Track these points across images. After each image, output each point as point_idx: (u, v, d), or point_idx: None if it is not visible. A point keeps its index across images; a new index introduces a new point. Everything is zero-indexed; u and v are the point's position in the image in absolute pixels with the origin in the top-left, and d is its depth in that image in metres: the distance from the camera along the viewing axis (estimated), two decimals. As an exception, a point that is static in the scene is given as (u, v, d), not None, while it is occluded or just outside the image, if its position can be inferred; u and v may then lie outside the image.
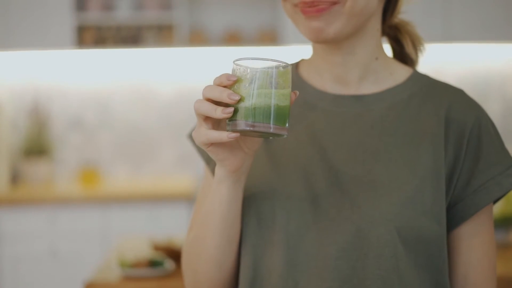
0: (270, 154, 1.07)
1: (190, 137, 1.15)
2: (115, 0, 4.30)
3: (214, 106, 0.88)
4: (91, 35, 4.23)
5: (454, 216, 1.03)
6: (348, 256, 0.98)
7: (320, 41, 1.01)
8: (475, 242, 1.03)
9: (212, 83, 0.90)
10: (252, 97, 0.86)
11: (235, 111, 0.87)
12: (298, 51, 3.65)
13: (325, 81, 1.09)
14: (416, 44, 1.13)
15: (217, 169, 0.98)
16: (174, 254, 2.36)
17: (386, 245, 0.97)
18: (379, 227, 0.98)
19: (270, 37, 4.27)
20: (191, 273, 1.08)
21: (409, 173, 1.01)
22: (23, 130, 4.32)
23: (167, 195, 3.94)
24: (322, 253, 0.99)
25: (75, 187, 4.24)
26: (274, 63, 0.88)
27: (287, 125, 0.89)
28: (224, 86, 0.88)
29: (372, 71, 1.08)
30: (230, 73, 0.89)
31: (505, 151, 1.05)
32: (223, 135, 0.88)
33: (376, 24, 1.07)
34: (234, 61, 0.89)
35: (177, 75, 4.49)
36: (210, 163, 1.11)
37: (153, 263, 2.29)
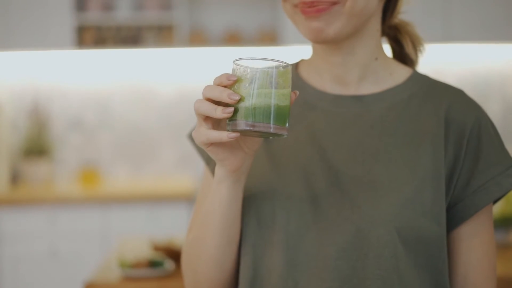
0: (270, 154, 1.07)
1: (190, 137, 1.15)
2: (115, 0, 4.30)
3: (214, 106, 0.88)
4: (91, 35, 4.23)
5: (454, 216, 1.03)
6: (348, 256, 0.98)
7: (319, 41, 1.01)
8: (475, 242, 1.03)
9: (212, 83, 0.90)
10: (252, 97, 0.86)
11: (235, 111, 0.87)
12: (298, 51, 3.65)
13: (325, 81, 1.09)
14: (416, 45, 1.13)
15: (217, 169, 0.98)
16: (174, 255, 2.36)
17: (386, 245, 0.97)
18: (379, 227, 0.98)
19: (270, 37, 4.27)
20: (191, 273, 1.08)
21: (409, 174, 1.01)
22: (23, 130, 4.32)
23: (167, 195, 3.94)
24: (322, 253, 0.99)
25: (75, 187, 4.24)
26: (274, 63, 0.88)
27: (287, 125, 0.89)
28: (224, 86, 0.88)
29: (372, 71, 1.08)
30: (230, 73, 0.89)
31: (505, 152, 1.05)
32: (223, 135, 0.88)
33: (376, 24, 1.07)
34: (234, 61, 0.89)
35: (177, 76, 4.49)
36: (210, 163, 1.11)
37: (153, 264, 2.29)
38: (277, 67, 0.87)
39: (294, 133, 1.06)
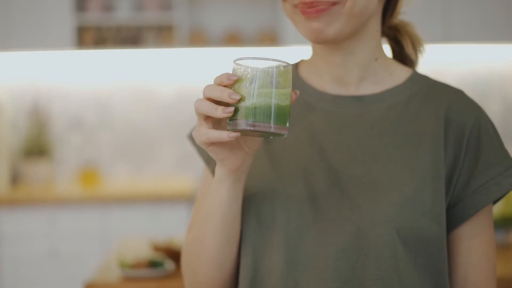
0: (270, 154, 1.07)
1: (190, 137, 1.15)
2: (115, 0, 4.30)
3: (215, 106, 0.88)
4: (91, 36, 4.23)
5: (454, 216, 1.03)
6: (348, 256, 0.98)
7: (319, 41, 1.02)
8: (474, 242, 1.03)
9: (212, 83, 0.90)
10: (253, 96, 0.86)
11: (236, 111, 0.87)
12: (298, 52, 3.65)
13: (324, 82, 1.09)
14: (416, 45, 1.13)
15: (217, 168, 0.98)
16: (174, 255, 2.36)
17: (386, 246, 0.97)
18: (379, 228, 0.98)
19: (270, 38, 4.27)
20: (190, 274, 1.08)
21: (409, 174, 1.01)
22: (23, 131, 4.32)
23: (167, 195, 3.94)
24: (322, 253, 0.99)
25: (75, 187, 4.24)
26: (275, 63, 0.88)
27: (287, 124, 0.89)
28: (225, 86, 0.88)
29: (372, 72, 1.08)
30: (231, 72, 0.89)
31: (505, 152, 1.05)
32: (224, 135, 0.88)
33: (375, 24, 1.07)
34: (234, 61, 0.89)
35: (177, 76, 4.49)
36: (210, 164, 1.11)
37: (153, 264, 2.29)
38: (277, 66, 0.87)
39: (294, 133, 1.06)
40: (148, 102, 4.48)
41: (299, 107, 1.08)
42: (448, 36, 4.14)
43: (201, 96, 0.91)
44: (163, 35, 4.27)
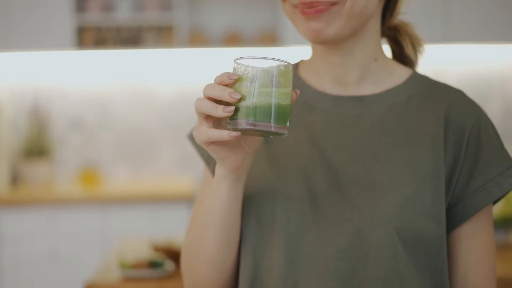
0: (270, 154, 1.07)
1: (190, 137, 1.15)
2: (115, 1, 4.30)
3: (215, 105, 0.88)
4: (91, 36, 4.23)
5: (454, 216, 1.03)
6: (348, 257, 0.98)
7: (319, 41, 1.02)
8: (474, 242, 1.03)
9: (213, 82, 0.90)
10: (253, 96, 0.86)
11: (236, 110, 0.87)
12: (298, 52, 3.65)
13: (324, 82, 1.09)
14: (416, 45, 1.13)
15: (217, 168, 0.98)
16: (174, 255, 2.36)
17: (385, 246, 0.97)
18: (378, 228, 0.98)
19: (270, 38, 4.27)
20: (190, 274, 1.08)
21: (409, 174, 1.01)
22: (23, 131, 4.32)
23: (167, 196, 3.94)
24: (322, 253, 0.99)
25: (75, 188, 4.24)
26: (275, 62, 0.88)
27: (288, 124, 0.89)
28: (225, 85, 0.88)
29: (371, 72, 1.08)
30: (231, 72, 0.89)
31: (505, 152, 1.05)
32: (224, 134, 0.88)
33: (375, 25, 1.07)
34: (235, 60, 0.89)
35: (177, 76, 4.49)
36: (210, 164, 1.11)
37: (153, 264, 2.29)
38: (278, 66, 0.87)
39: (294, 134, 1.06)
40: (148, 103, 4.48)
41: (299, 107, 1.08)
42: (448, 36, 4.14)
43: (201, 96, 0.91)
44: (163, 35, 4.27)
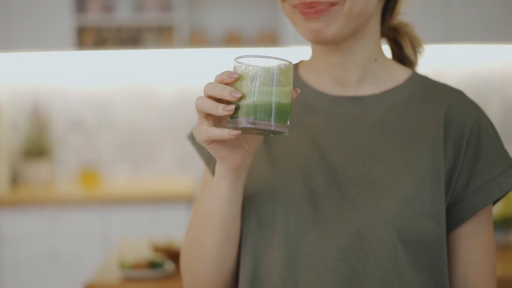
0: (270, 155, 1.07)
1: (190, 137, 1.15)
2: (115, 1, 4.30)
3: (216, 103, 0.88)
4: (91, 37, 4.23)
5: (454, 217, 1.03)
6: (348, 257, 0.98)
7: (318, 42, 1.02)
8: (474, 243, 1.03)
9: (213, 81, 0.90)
10: (254, 94, 0.87)
11: (237, 109, 0.87)
12: (298, 52, 3.65)
13: (324, 82, 1.09)
14: (415, 46, 1.13)
15: (217, 166, 0.98)
16: (174, 256, 2.36)
17: (385, 246, 0.97)
18: (378, 228, 0.98)
19: (270, 38, 4.27)
20: (190, 274, 1.08)
21: (409, 174, 1.01)
22: (23, 131, 4.32)
23: (167, 196, 3.94)
24: (322, 254, 0.99)
25: (75, 188, 4.24)
26: (276, 61, 0.88)
27: (288, 122, 0.89)
28: (226, 84, 0.88)
29: (371, 72, 1.08)
30: (232, 70, 0.89)
31: (505, 152, 1.05)
32: (224, 133, 0.88)
33: (375, 25, 1.07)
34: (235, 59, 0.89)
35: (177, 76, 4.49)
36: (210, 164, 1.11)
37: (153, 265, 2.29)
38: (278, 65, 0.88)
39: (294, 134, 1.06)
40: (148, 103, 4.48)
41: (299, 107, 1.08)
42: (448, 36, 4.14)
43: (202, 95, 0.91)
44: (163, 35, 4.27)
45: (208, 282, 1.05)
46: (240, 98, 0.87)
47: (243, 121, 0.87)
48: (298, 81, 1.11)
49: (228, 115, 0.88)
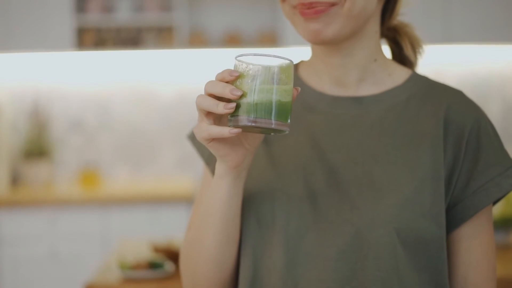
0: (270, 155, 1.07)
1: (190, 137, 1.15)
2: (115, 2, 4.30)
3: (216, 102, 0.88)
4: (91, 37, 4.23)
5: (454, 217, 1.03)
6: (348, 258, 0.98)
7: (318, 42, 1.02)
8: (474, 243, 1.03)
9: (214, 79, 0.90)
10: (254, 92, 0.87)
11: (237, 107, 0.87)
12: (298, 53, 3.65)
13: (324, 83, 1.09)
14: (415, 46, 1.13)
15: (217, 165, 0.98)
16: (174, 256, 2.36)
17: (385, 247, 0.97)
18: (378, 229, 0.97)
19: (270, 39, 4.27)
20: (189, 274, 1.08)
21: (408, 175, 1.01)
22: (23, 132, 4.32)
23: (167, 197, 3.94)
24: (321, 254, 0.99)
25: (75, 189, 4.24)
26: (276, 59, 0.88)
27: (288, 121, 0.89)
28: (226, 82, 0.88)
29: (371, 73, 1.08)
30: (232, 69, 0.89)
31: (504, 152, 1.05)
32: (225, 131, 0.88)
33: (374, 26, 1.07)
34: (236, 57, 0.89)
35: (177, 77, 4.49)
36: (210, 164, 1.11)
37: (153, 265, 2.29)
38: (279, 63, 0.88)
39: (294, 134, 1.06)
40: (148, 103, 4.48)
41: (299, 108, 1.08)
42: (448, 36, 4.14)
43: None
44: (163, 36, 4.27)
45: (208, 282, 1.05)
46: (241, 96, 0.87)
47: (243, 119, 0.87)
48: (298, 82, 1.11)
49: (229, 113, 0.88)
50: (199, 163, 3.61)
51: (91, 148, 4.47)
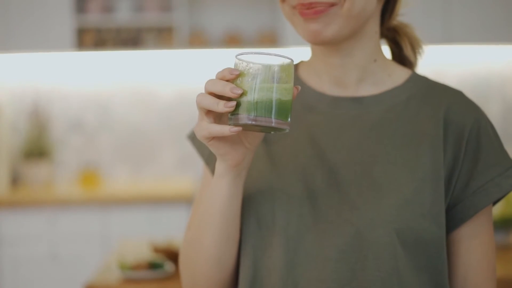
0: (270, 155, 1.07)
1: (190, 137, 1.15)
2: (115, 2, 4.30)
3: (217, 100, 0.88)
4: (91, 37, 4.23)
5: (454, 217, 1.03)
6: (348, 258, 0.98)
7: (318, 43, 1.01)
8: (474, 243, 1.03)
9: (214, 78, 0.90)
10: (254, 91, 0.87)
11: (237, 105, 0.87)
12: (298, 53, 3.65)
13: (323, 83, 1.09)
14: (415, 47, 1.13)
15: (217, 164, 0.98)
16: (174, 256, 2.36)
17: (385, 247, 0.97)
18: (378, 229, 0.97)
19: (269, 39, 4.27)
20: (189, 274, 1.08)
21: (408, 175, 1.01)
22: (23, 132, 4.32)
23: (167, 197, 3.94)
24: (321, 255, 0.99)
25: (75, 189, 4.24)
26: (277, 58, 0.88)
27: (289, 119, 0.89)
28: (227, 80, 0.88)
29: (371, 73, 1.08)
30: (233, 67, 0.89)
31: (504, 153, 1.05)
32: (225, 129, 0.88)
33: (374, 26, 1.07)
34: (236, 56, 0.89)
35: (177, 77, 4.49)
36: (210, 164, 1.11)
37: (153, 265, 2.29)
38: (279, 62, 0.88)
39: (294, 135, 1.06)
40: (148, 104, 4.48)
41: (299, 108, 1.08)
42: (448, 37, 4.14)
43: (202, 94, 0.91)
44: (163, 36, 4.27)
45: (208, 282, 1.05)
46: (241, 95, 0.87)
47: (244, 117, 0.87)
48: (298, 82, 1.11)
49: (229, 112, 0.88)
50: (199, 163, 3.61)
51: (91, 148, 4.47)
